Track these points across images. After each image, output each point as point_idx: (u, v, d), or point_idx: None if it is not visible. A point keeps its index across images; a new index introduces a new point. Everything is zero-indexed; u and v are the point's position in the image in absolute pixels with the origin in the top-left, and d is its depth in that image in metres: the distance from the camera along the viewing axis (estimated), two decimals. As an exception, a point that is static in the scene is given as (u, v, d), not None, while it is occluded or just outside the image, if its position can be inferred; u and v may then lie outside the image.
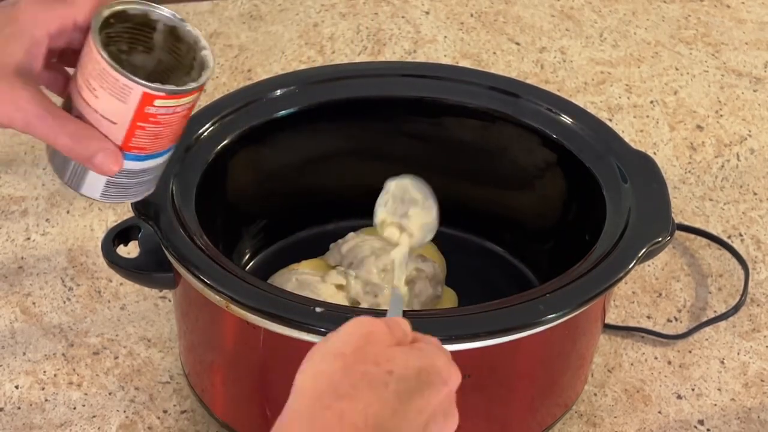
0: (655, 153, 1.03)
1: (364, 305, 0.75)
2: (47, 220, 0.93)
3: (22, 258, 0.90)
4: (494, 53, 1.16)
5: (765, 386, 0.83)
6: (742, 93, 1.12)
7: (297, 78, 0.85)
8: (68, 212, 0.94)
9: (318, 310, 0.65)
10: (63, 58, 0.64)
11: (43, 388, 0.80)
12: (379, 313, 0.70)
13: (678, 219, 0.96)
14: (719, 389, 0.82)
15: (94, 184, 0.63)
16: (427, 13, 1.20)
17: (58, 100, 0.63)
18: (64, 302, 0.86)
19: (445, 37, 1.17)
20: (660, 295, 0.90)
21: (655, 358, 0.85)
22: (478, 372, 0.69)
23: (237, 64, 1.11)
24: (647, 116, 1.09)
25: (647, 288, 0.91)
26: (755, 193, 1.01)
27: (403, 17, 1.20)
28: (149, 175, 0.64)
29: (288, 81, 0.84)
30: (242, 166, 0.81)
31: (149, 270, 0.72)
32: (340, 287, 0.76)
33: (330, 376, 0.48)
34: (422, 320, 0.67)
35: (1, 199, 0.95)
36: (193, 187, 0.74)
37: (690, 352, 0.85)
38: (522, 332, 0.67)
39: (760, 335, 0.87)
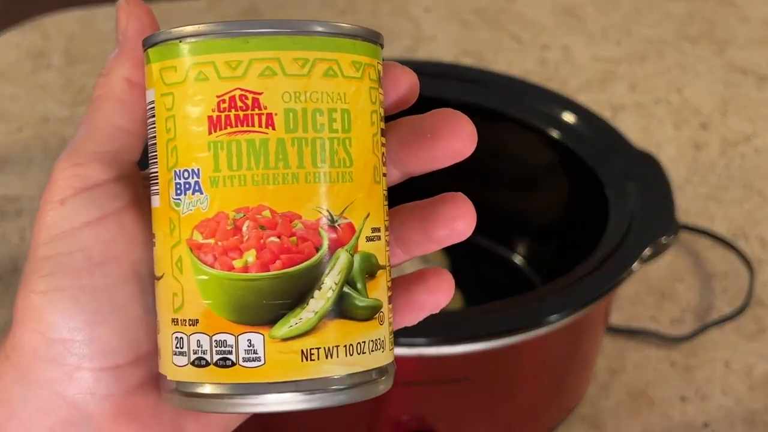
0: (658, 152, 1.02)
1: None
2: (43, 219, 0.93)
3: (18, 258, 0.89)
4: (496, 51, 1.15)
5: (771, 389, 0.82)
6: (747, 91, 1.11)
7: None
8: (64, 212, 0.93)
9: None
10: None
11: (37, 391, 0.79)
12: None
13: (682, 219, 0.95)
14: (724, 391, 0.81)
15: None
16: (428, 10, 1.20)
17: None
18: (60, 303, 0.85)
19: (446, 34, 1.16)
20: (664, 296, 0.89)
21: (659, 360, 0.84)
22: (480, 374, 0.68)
23: (236, 62, 1.10)
24: (651, 115, 1.08)
25: (651, 289, 0.90)
26: (760, 193, 1.00)
27: (403, 15, 1.19)
28: None
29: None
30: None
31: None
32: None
33: None
34: (423, 321, 0.66)
35: (-3, 198, 0.95)
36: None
37: (694, 353, 0.84)
38: (524, 334, 0.66)
39: (765, 337, 0.86)
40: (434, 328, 0.65)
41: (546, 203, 0.84)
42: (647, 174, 0.76)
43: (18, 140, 1.00)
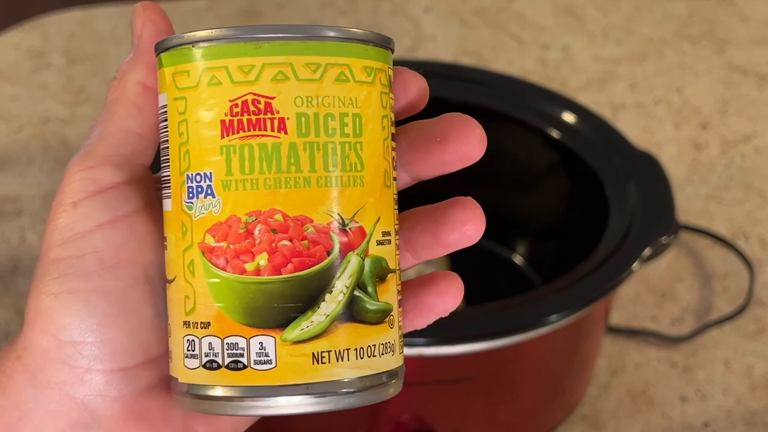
0: (658, 152, 1.02)
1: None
2: (43, 220, 0.92)
3: (18, 259, 0.89)
4: (496, 51, 1.14)
5: (771, 389, 0.82)
6: (747, 91, 1.11)
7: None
8: (64, 212, 0.93)
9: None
10: None
11: (37, 391, 0.79)
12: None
13: (682, 219, 0.95)
14: (724, 392, 0.81)
15: None
16: (428, 10, 1.19)
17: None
18: (60, 303, 0.85)
19: (446, 34, 1.16)
20: (664, 296, 0.89)
21: (659, 360, 0.84)
22: (480, 374, 0.68)
23: (236, 62, 1.10)
24: (651, 115, 1.08)
25: (651, 289, 0.90)
26: (760, 193, 1.00)
27: (403, 15, 1.18)
28: None
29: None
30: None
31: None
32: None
33: None
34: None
35: (-3, 198, 0.94)
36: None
37: (694, 353, 0.84)
38: (525, 334, 0.66)
39: (765, 337, 0.86)
40: (434, 328, 0.64)
41: (546, 203, 0.84)
42: (647, 174, 0.76)
43: (18, 140, 1.00)
